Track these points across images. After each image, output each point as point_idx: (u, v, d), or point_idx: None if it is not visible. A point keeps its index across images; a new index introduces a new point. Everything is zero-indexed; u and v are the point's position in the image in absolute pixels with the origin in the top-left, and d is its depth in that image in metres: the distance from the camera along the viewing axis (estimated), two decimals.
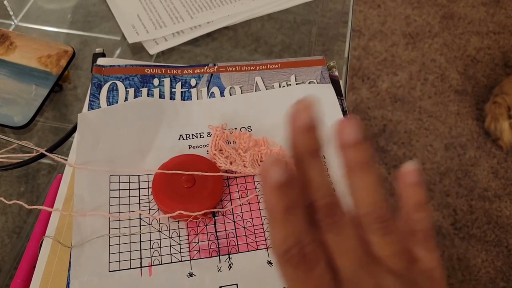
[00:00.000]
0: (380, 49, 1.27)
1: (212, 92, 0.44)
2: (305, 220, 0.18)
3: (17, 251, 0.38)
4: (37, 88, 0.45)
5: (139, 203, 0.37)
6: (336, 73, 0.47)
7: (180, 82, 0.44)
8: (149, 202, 0.37)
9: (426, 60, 1.26)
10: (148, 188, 0.37)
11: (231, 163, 0.39)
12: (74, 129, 0.42)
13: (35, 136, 0.44)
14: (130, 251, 0.34)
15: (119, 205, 0.36)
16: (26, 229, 0.39)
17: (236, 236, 0.36)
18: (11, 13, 0.56)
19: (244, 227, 0.36)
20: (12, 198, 0.37)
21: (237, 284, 0.33)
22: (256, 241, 0.35)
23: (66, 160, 0.38)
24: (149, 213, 0.36)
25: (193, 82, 0.45)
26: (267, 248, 0.35)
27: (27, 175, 0.42)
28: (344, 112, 0.43)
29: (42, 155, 0.40)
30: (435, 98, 1.19)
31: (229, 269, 0.34)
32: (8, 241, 0.38)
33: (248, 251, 0.35)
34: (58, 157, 0.38)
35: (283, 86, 0.45)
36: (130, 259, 0.34)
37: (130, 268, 0.33)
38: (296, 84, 0.45)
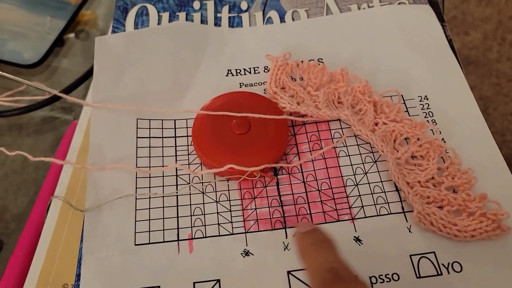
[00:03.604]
0: (449, 6, 1.11)
1: (269, 17, 0.34)
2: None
3: (22, 216, 0.29)
4: (52, 20, 0.37)
5: (176, 155, 0.27)
6: None
7: (227, 6, 0.34)
8: (188, 154, 0.27)
9: (503, 17, 1.09)
10: (188, 136, 0.28)
11: (298, 103, 0.28)
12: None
13: (49, 79, 0.36)
14: (163, 218, 0.25)
15: (149, 157, 0.27)
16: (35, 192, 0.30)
17: (308, 202, 0.25)
18: None
19: (318, 190, 0.26)
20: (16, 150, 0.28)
21: None
22: (336, 209, 0.25)
23: (84, 101, 0.29)
24: (189, 168, 0.26)
25: (244, 5, 0.34)
26: (352, 219, 0.25)
27: (37, 124, 0.33)
28: (449, 42, 0.32)
29: (55, 98, 0.32)
30: None
31: None
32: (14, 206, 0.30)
33: (326, 222, 0.25)
34: (73, 98, 0.30)
35: (363, 9, 0.34)
36: (164, 229, 0.24)
37: (164, 242, 0.24)
38: (381, 5, 0.34)
